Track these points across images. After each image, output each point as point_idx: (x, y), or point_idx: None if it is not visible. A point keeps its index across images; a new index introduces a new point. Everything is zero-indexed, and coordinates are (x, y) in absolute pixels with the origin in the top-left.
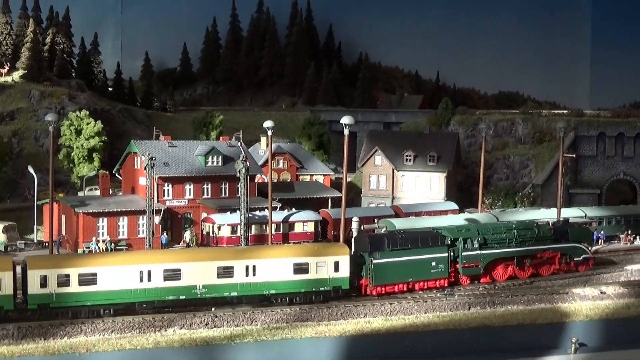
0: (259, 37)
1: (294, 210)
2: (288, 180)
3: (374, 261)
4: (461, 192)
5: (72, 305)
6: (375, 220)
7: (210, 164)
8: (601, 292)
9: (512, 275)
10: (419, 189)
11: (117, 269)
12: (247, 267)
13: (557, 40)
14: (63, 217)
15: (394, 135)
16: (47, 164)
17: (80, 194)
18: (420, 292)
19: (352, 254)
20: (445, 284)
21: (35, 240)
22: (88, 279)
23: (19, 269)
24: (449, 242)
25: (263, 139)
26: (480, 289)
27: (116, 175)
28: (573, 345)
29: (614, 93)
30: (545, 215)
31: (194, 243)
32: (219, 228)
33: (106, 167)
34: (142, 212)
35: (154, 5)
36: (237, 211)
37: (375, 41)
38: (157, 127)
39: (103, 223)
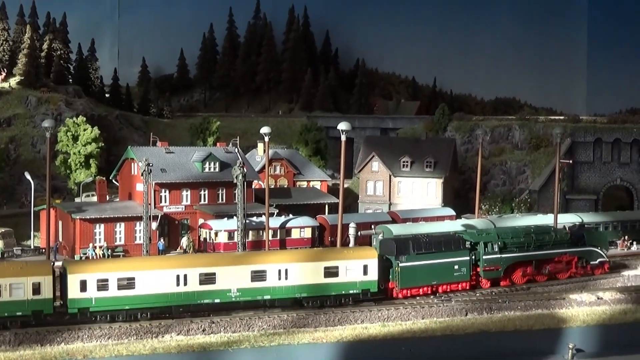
0: (256, 43)
1: (291, 216)
2: (285, 186)
3: (400, 264)
4: (458, 198)
5: (111, 309)
6: (372, 226)
7: (207, 170)
8: (598, 298)
9: (530, 279)
10: (415, 195)
11: (155, 273)
12: (279, 271)
13: (553, 47)
14: (60, 223)
15: (390, 141)
16: (44, 170)
17: (77, 200)
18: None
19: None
20: (467, 287)
21: (32, 247)
22: (126, 283)
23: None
24: (470, 245)
25: (260, 145)
26: (477, 294)
27: (113, 181)
28: (570, 351)
29: (611, 99)
30: (542, 221)
31: (191, 249)
32: (216, 234)
33: (103, 173)
34: (139, 218)
35: (151, 12)
36: (234, 217)
37: (372, 47)
38: (154, 133)
39: (100, 229)
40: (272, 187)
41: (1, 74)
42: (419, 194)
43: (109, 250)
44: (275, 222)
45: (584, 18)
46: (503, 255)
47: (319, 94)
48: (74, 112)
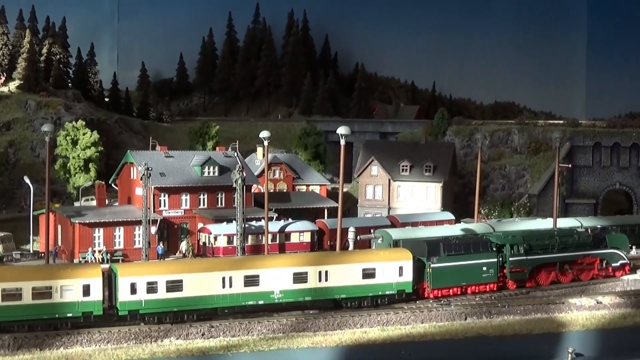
0: (255, 48)
1: (290, 220)
2: (284, 191)
3: (432, 265)
4: (457, 202)
5: (159, 311)
6: (372, 231)
7: (206, 174)
8: (597, 302)
9: (554, 280)
10: (415, 199)
11: (201, 275)
12: (319, 273)
13: (552, 51)
14: (59, 227)
15: (390, 145)
16: (43, 175)
17: (77, 204)
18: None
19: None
20: (495, 288)
21: (31, 251)
22: (174, 286)
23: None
24: (497, 248)
25: (259, 149)
26: (477, 299)
27: (112, 185)
28: (569, 355)
29: (610, 103)
30: (542, 225)
31: (190, 253)
32: (215, 238)
33: (102, 178)
34: (139, 223)
35: (151, 16)
36: (234, 221)
37: (371, 51)
38: (153, 137)
39: (99, 233)
40: (272, 191)
41: (1, 78)
42: (418, 198)
43: (108, 255)
44: (275, 226)
45: (583, 22)
46: (529, 257)
47: (319, 98)
48: (73, 117)
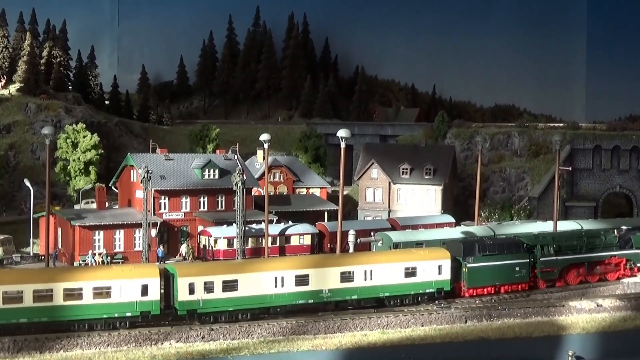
0: (256, 51)
1: (290, 223)
2: (284, 193)
3: (468, 265)
4: (457, 205)
5: (216, 310)
6: (372, 233)
7: (206, 177)
8: (598, 305)
9: (582, 280)
10: (415, 202)
11: (255, 275)
12: (365, 272)
13: (552, 54)
14: (59, 230)
15: (390, 148)
16: (44, 177)
17: (77, 207)
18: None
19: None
20: (526, 288)
21: (32, 254)
22: (230, 285)
23: None
24: (528, 248)
25: (259, 152)
26: (477, 301)
27: (112, 188)
28: (570, 358)
29: (610, 106)
30: (542, 228)
31: (190, 256)
32: (216, 241)
33: (102, 180)
34: (139, 225)
35: (151, 19)
36: (234, 224)
37: (371, 54)
38: (153, 140)
39: (99, 236)
40: (272, 194)
41: (1, 81)
42: (419, 201)
43: (108, 257)
44: (275, 229)
45: (583, 25)
46: (558, 258)
47: (319, 101)
48: (73, 119)
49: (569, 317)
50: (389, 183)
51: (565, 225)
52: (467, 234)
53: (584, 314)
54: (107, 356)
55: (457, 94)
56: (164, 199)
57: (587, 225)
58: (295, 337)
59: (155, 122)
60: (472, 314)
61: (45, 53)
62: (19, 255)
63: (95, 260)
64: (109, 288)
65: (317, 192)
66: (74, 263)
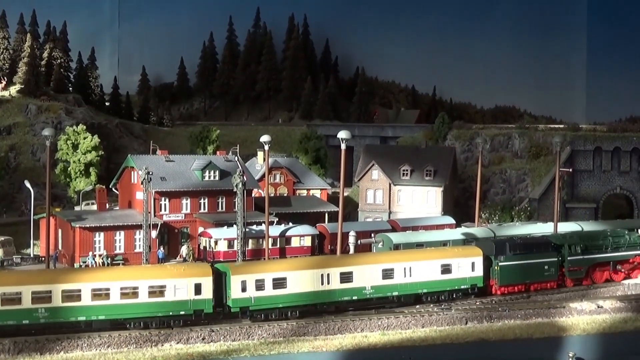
0: (256, 52)
1: (290, 224)
2: (285, 195)
3: (500, 263)
4: (458, 207)
5: (267, 307)
6: (372, 235)
7: (207, 178)
8: (598, 307)
9: (608, 279)
10: (415, 204)
11: (303, 273)
12: (404, 269)
13: (553, 55)
14: (59, 231)
15: (390, 149)
16: (44, 179)
17: (77, 208)
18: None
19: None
20: (555, 286)
21: (32, 255)
22: (279, 283)
23: None
24: (555, 248)
25: (260, 154)
26: (477, 303)
27: (113, 189)
28: (570, 359)
29: (610, 107)
30: (542, 229)
31: (191, 258)
32: (216, 242)
33: (103, 182)
34: (139, 227)
35: (151, 20)
36: (234, 226)
37: (372, 56)
38: (154, 141)
39: (99, 237)
40: (272, 195)
41: (1, 83)
42: (419, 202)
43: (109, 259)
44: (275, 230)
45: (583, 26)
46: (585, 257)
47: (319, 103)
48: (73, 121)
49: (569, 319)
50: (390, 184)
51: (566, 227)
52: (467, 235)
53: (584, 316)
54: (108, 357)
55: (457, 95)
56: (165, 200)
57: (588, 226)
58: (295, 339)
59: (155, 123)
60: (472, 315)
61: (45, 54)
62: (20, 256)
63: (95, 262)
64: (164, 287)
65: (317, 193)
66: (74, 264)
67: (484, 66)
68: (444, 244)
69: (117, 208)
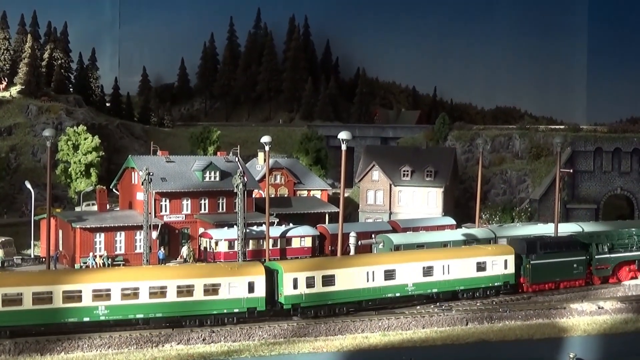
0: (257, 53)
1: (291, 225)
2: (285, 196)
3: (531, 262)
4: (458, 207)
5: (316, 304)
6: (373, 236)
7: (207, 179)
8: (599, 307)
9: (633, 277)
10: (416, 204)
11: (350, 270)
12: (443, 267)
13: (553, 56)
14: (60, 232)
15: (391, 150)
16: (45, 179)
17: (78, 209)
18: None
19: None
20: (583, 284)
21: (32, 256)
22: (328, 280)
23: None
24: (583, 247)
25: (260, 154)
26: (478, 304)
27: (113, 190)
28: None
29: (611, 108)
30: (543, 230)
31: (191, 258)
32: (217, 243)
33: (103, 182)
34: (140, 228)
35: (152, 21)
36: (235, 226)
37: (372, 56)
38: (154, 142)
39: (100, 238)
40: (273, 196)
41: (2, 83)
42: (420, 203)
43: (109, 260)
44: (276, 231)
45: (584, 27)
46: (612, 255)
47: (320, 103)
48: (74, 121)
49: (570, 320)
50: (390, 185)
51: (567, 228)
52: (468, 236)
53: (585, 316)
54: (108, 358)
55: (458, 96)
56: (165, 201)
57: (589, 227)
58: (296, 339)
59: (156, 124)
60: (473, 316)
61: (46, 55)
62: (20, 257)
63: (96, 263)
64: (218, 285)
65: (318, 194)
66: (75, 265)
67: (484, 67)
68: (444, 244)
69: (118, 209)
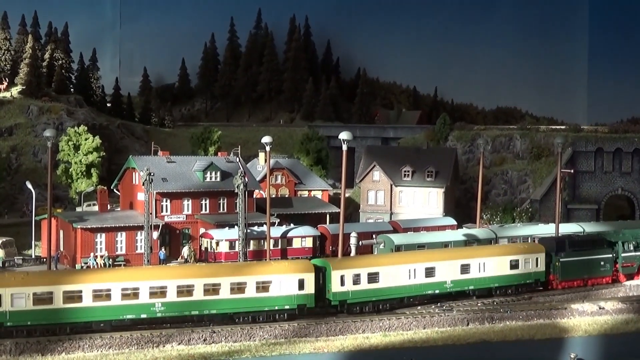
0: (257, 53)
1: (292, 225)
2: (286, 196)
3: (561, 260)
4: (459, 208)
5: (362, 300)
6: (374, 236)
7: (208, 179)
8: (600, 308)
9: None
10: (417, 205)
11: (393, 268)
12: (479, 264)
13: (554, 56)
14: (61, 232)
15: (392, 150)
16: (45, 180)
17: (79, 209)
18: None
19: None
20: (610, 281)
21: (33, 256)
22: (373, 277)
23: None
24: (609, 245)
25: (261, 155)
26: (479, 304)
27: (114, 190)
28: None
29: (612, 108)
30: (544, 230)
31: (192, 259)
32: (217, 244)
33: (104, 183)
34: (140, 228)
35: (153, 22)
36: (236, 227)
37: (373, 57)
38: (155, 142)
39: (101, 238)
40: (274, 196)
41: (3, 84)
42: (420, 203)
43: (110, 260)
44: (277, 231)
45: (585, 27)
46: (637, 253)
47: (320, 104)
48: (75, 122)
49: (571, 320)
50: (391, 185)
51: (568, 228)
52: (469, 236)
53: (586, 317)
54: (109, 358)
55: (458, 96)
56: (166, 201)
57: (590, 227)
58: (297, 340)
59: (157, 124)
60: (474, 317)
61: (47, 56)
62: (21, 257)
63: (97, 263)
64: (269, 282)
65: (318, 194)
66: (76, 265)
67: (485, 67)
68: (445, 245)
69: (119, 209)
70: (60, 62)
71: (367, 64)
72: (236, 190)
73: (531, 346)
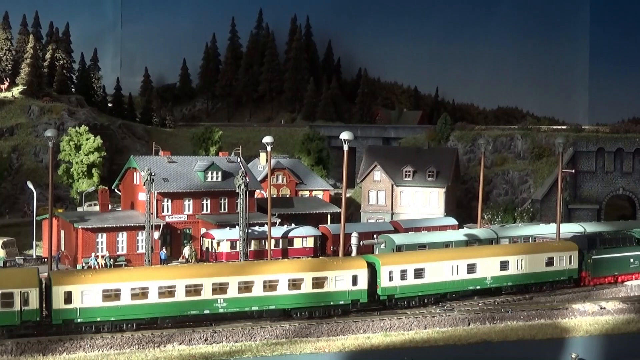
0: (258, 53)
1: (293, 225)
2: (287, 196)
3: (593, 257)
4: (460, 208)
5: (408, 296)
6: (375, 236)
7: (209, 179)
8: (601, 308)
9: None
10: (418, 205)
11: (437, 264)
12: (517, 261)
13: (555, 56)
14: (62, 232)
15: (393, 150)
16: (47, 180)
17: (80, 209)
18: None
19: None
20: (639, 278)
21: (34, 256)
22: (419, 273)
23: None
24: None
25: (262, 155)
26: (480, 304)
27: (115, 190)
28: None
29: (613, 108)
30: (545, 230)
31: (193, 259)
32: (218, 243)
33: (105, 183)
34: (141, 228)
35: (154, 22)
36: (237, 227)
37: (374, 57)
38: (156, 142)
39: (102, 238)
40: (275, 196)
41: (4, 84)
42: (421, 203)
43: (111, 260)
44: (278, 231)
45: (586, 28)
46: None
47: (321, 104)
48: (76, 122)
49: (572, 320)
50: (392, 185)
51: (569, 228)
52: (470, 236)
53: (587, 317)
54: (110, 358)
55: (460, 96)
56: (167, 201)
57: (591, 227)
58: (298, 340)
59: (158, 124)
60: (475, 317)
61: (48, 56)
62: (22, 257)
63: (98, 263)
64: (325, 279)
65: (319, 194)
66: (77, 265)
67: (486, 67)
68: (446, 245)
69: (120, 209)
70: (62, 62)
71: (368, 64)
72: (237, 190)
73: (532, 346)
